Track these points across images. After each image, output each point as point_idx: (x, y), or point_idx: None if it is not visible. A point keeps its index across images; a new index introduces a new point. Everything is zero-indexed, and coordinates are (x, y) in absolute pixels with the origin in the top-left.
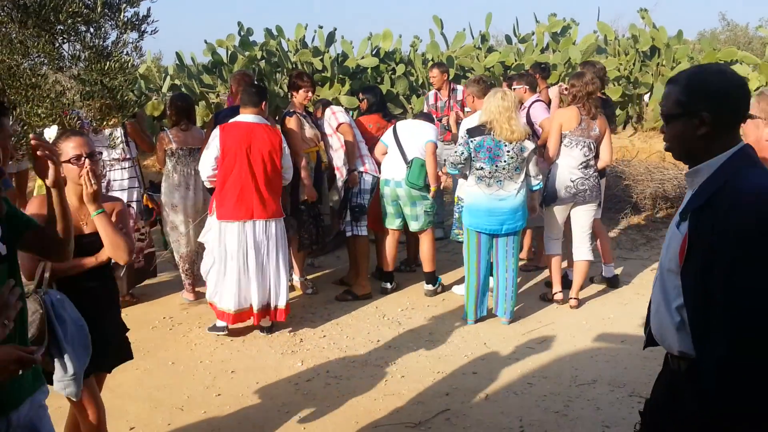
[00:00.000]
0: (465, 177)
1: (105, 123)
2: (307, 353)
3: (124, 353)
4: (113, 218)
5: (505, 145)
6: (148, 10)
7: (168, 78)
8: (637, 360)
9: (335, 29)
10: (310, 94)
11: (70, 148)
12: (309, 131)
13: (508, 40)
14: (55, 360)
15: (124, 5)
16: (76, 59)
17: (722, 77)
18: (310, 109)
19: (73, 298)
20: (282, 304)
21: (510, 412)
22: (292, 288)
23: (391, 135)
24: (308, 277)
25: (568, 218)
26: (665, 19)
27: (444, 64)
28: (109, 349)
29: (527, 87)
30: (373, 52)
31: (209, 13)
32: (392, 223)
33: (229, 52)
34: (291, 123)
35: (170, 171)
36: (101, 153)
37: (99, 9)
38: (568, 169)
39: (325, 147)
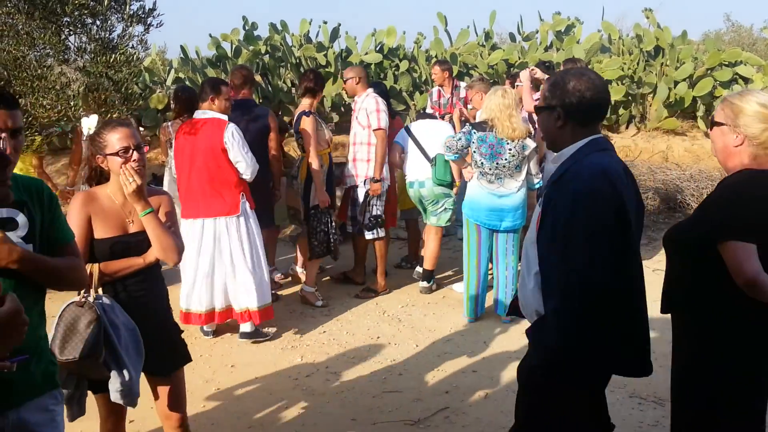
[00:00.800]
0: (461, 163)
1: (109, 116)
2: (307, 349)
3: (180, 356)
4: (162, 217)
5: (507, 143)
6: (154, 3)
7: (172, 71)
8: None
9: (339, 25)
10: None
11: (116, 139)
12: (325, 133)
13: (512, 38)
14: (113, 370)
15: None
16: (81, 51)
17: (580, 79)
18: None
19: (121, 302)
20: (253, 306)
21: (509, 411)
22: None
23: (407, 137)
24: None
25: None
26: (670, 19)
27: (446, 61)
28: (164, 352)
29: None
30: (377, 48)
31: (214, 7)
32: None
33: (234, 46)
34: (307, 124)
35: (171, 163)
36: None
37: (105, 1)
38: None
39: (351, 133)
